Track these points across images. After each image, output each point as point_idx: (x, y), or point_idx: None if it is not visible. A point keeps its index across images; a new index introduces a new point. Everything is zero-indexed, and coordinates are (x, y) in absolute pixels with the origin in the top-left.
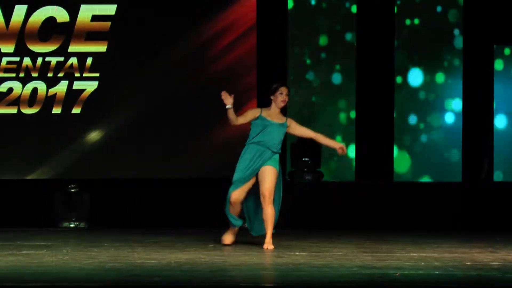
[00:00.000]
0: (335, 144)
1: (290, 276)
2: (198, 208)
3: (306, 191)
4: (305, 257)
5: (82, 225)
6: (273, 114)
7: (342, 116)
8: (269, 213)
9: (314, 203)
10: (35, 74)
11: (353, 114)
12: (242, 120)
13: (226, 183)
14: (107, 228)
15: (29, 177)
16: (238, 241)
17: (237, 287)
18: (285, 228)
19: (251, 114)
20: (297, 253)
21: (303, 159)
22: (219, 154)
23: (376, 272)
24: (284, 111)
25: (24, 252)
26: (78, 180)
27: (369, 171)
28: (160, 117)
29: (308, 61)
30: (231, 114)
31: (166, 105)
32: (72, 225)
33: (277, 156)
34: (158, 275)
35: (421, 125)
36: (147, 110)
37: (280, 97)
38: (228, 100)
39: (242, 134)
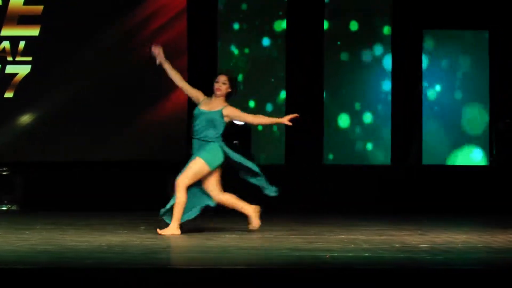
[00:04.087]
0: (280, 120)
1: (219, 258)
2: (130, 190)
3: (236, 174)
4: (234, 239)
5: (14, 207)
6: (211, 102)
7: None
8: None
9: (245, 185)
10: None
11: (283, 95)
12: (186, 87)
13: (159, 166)
14: (39, 211)
15: None
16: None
17: (166, 269)
18: (214, 211)
19: (195, 94)
20: (226, 235)
21: (234, 142)
22: (151, 137)
23: (306, 254)
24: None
25: None
26: (10, 163)
27: (298, 154)
28: (92, 100)
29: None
30: (168, 69)
31: (98, 88)
32: (4, 208)
33: (212, 145)
34: (90, 258)
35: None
36: (79, 93)
37: (216, 85)
38: (159, 55)
39: (175, 117)
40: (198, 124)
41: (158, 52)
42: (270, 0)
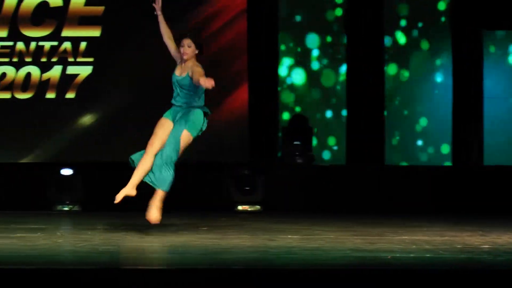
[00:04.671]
0: (203, 80)
1: (282, 259)
2: (190, 191)
3: (297, 174)
4: (297, 240)
5: (75, 208)
6: (181, 67)
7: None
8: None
9: (305, 186)
10: (28, 59)
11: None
12: (172, 46)
13: (219, 167)
14: (101, 211)
15: (23, 161)
16: (230, 224)
17: (228, 270)
18: (279, 211)
19: (176, 54)
20: (289, 236)
21: (294, 142)
22: (212, 138)
23: (368, 255)
24: None
25: (18, 235)
26: (71, 163)
27: (359, 155)
28: (153, 101)
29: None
30: (161, 22)
31: (159, 89)
32: (66, 208)
33: (194, 112)
34: (152, 258)
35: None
36: (140, 94)
37: (181, 50)
38: (157, 5)
39: (236, 118)
40: (174, 91)
41: (157, 1)
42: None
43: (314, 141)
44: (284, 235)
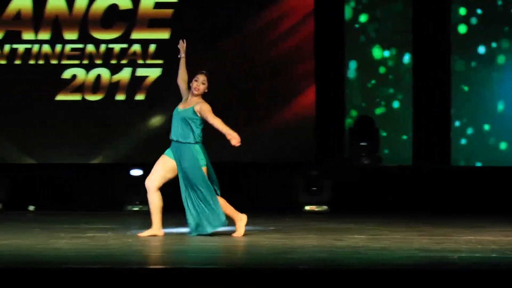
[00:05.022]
0: (228, 132)
1: (349, 258)
2: (259, 192)
3: (364, 175)
4: (364, 240)
5: (145, 208)
6: (187, 101)
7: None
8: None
9: (372, 187)
10: (98, 61)
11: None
12: (183, 87)
13: (287, 167)
14: (169, 211)
15: (93, 162)
16: (297, 224)
17: (295, 270)
18: (345, 212)
19: (184, 92)
20: (356, 236)
21: (361, 143)
22: (280, 138)
23: (434, 255)
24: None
25: (89, 234)
26: (141, 164)
27: (426, 155)
28: (221, 102)
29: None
30: (181, 65)
31: (227, 90)
32: (135, 208)
33: (191, 147)
34: (221, 257)
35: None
36: (208, 95)
37: (194, 84)
38: (182, 49)
39: (303, 118)
40: (172, 125)
41: (182, 45)
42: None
43: (380, 142)
44: (350, 235)
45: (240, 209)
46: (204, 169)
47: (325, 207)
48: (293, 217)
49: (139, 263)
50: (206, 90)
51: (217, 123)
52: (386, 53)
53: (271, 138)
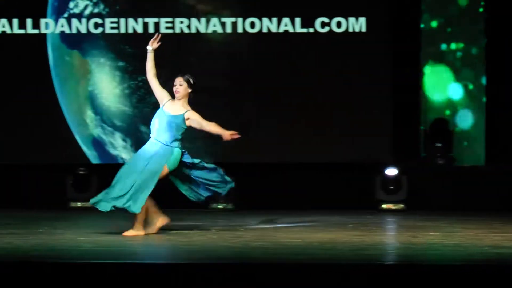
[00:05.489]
0: (224, 132)
1: (424, 255)
2: (337, 191)
3: (439, 175)
4: (438, 237)
5: (229, 206)
6: (174, 105)
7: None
8: None
9: (447, 186)
10: None
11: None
12: (155, 84)
13: (363, 167)
14: (253, 209)
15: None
16: (375, 222)
17: (374, 265)
18: (421, 210)
19: (160, 94)
20: (431, 233)
21: (436, 144)
22: (358, 139)
23: (506, 252)
24: None
25: (174, 231)
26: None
27: (498, 155)
28: (298, 104)
29: None
30: (149, 59)
31: (310, 92)
32: (220, 207)
33: (168, 150)
34: (302, 254)
35: None
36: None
37: (174, 88)
38: (153, 44)
39: (380, 120)
40: (159, 125)
41: (155, 37)
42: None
43: (455, 143)
44: (426, 232)
45: (319, 207)
46: (165, 168)
47: (401, 206)
48: (371, 215)
49: (223, 258)
50: (188, 90)
51: (213, 126)
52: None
53: (350, 137)
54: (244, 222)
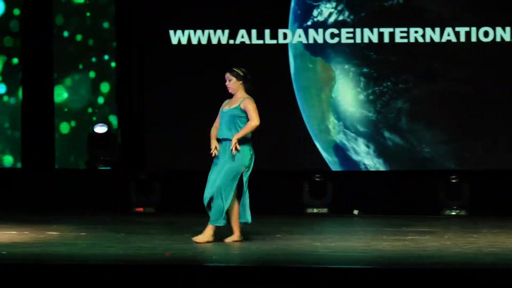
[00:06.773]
0: (234, 138)
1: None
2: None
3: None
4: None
5: (462, 212)
6: (230, 101)
7: None
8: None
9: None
10: None
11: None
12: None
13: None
14: (486, 215)
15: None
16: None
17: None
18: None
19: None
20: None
21: None
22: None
23: None
24: None
25: (409, 237)
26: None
27: None
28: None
29: None
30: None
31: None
32: (453, 213)
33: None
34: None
35: None
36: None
37: (226, 84)
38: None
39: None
40: (222, 124)
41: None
42: None
43: None
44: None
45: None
46: (242, 170)
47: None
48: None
49: (456, 263)
50: (239, 82)
51: (249, 123)
52: None
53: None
54: (477, 229)
